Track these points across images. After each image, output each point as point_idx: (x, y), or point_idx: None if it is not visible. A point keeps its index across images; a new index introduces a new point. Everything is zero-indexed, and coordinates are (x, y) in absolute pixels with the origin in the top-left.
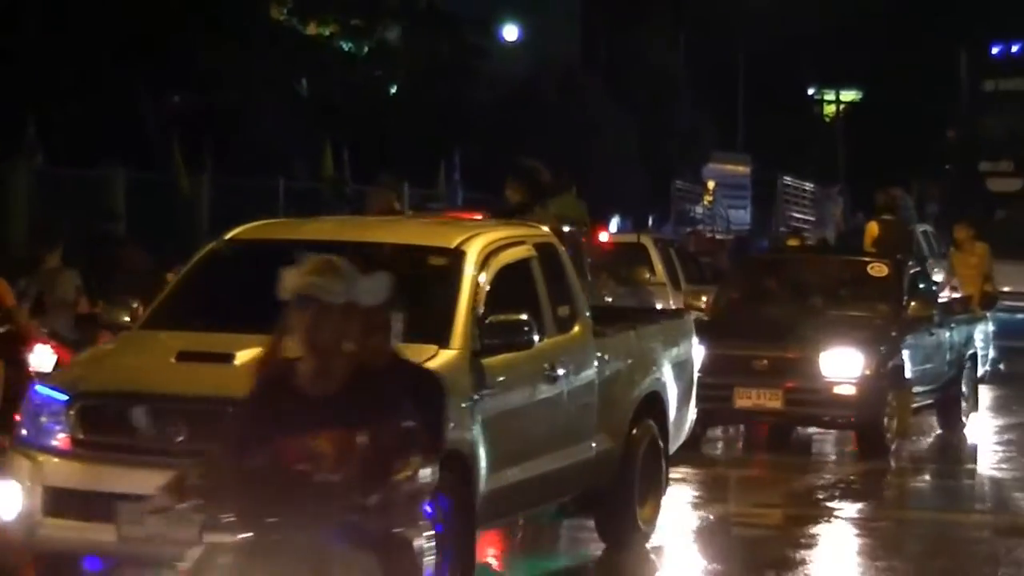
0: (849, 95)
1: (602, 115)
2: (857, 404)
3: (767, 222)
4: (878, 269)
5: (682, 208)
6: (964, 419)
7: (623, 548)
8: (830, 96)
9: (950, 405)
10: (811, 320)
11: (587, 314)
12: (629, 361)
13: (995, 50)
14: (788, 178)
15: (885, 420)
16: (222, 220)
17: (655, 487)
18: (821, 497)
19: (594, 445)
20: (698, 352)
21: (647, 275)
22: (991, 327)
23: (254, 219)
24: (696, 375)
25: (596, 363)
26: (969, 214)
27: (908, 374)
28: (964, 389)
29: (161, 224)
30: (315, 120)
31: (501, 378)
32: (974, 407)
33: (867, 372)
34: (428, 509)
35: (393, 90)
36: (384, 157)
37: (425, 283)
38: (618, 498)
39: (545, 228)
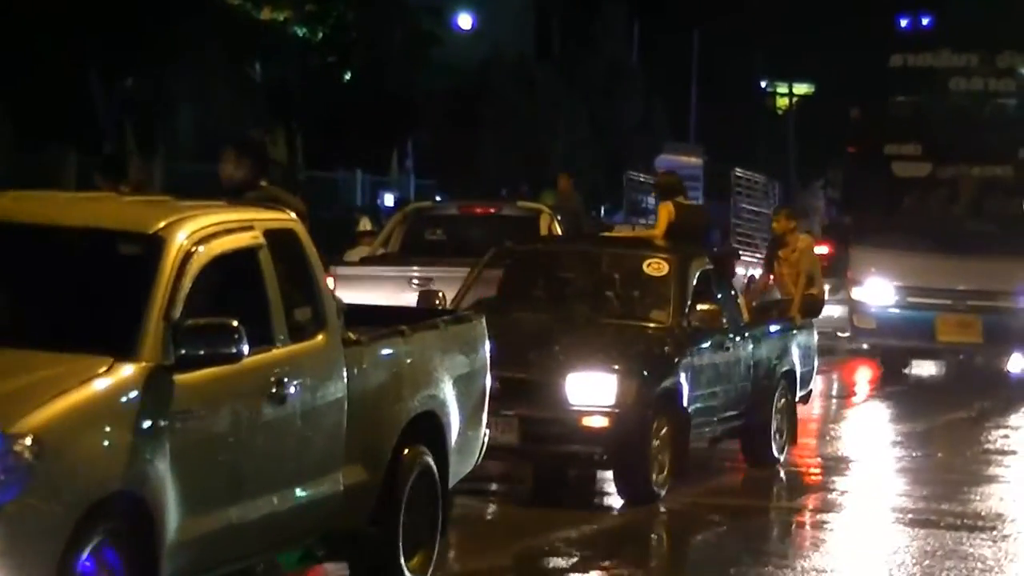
0: (802, 88)
1: (555, 105)
2: (611, 438)
3: (721, 213)
4: (656, 266)
5: (634, 198)
6: (777, 453)
7: None
8: (783, 89)
9: (756, 436)
10: (564, 332)
11: (336, 318)
12: (394, 374)
13: (903, 23)
14: (740, 170)
15: (653, 458)
16: None
17: (428, 529)
18: (548, 566)
19: (341, 478)
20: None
21: None
22: (814, 338)
23: None
24: (488, 389)
25: (345, 377)
26: (869, 201)
27: (688, 399)
28: (776, 415)
29: None
30: (268, 106)
31: (202, 398)
32: (790, 438)
33: (625, 398)
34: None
35: (347, 76)
36: (338, 143)
37: (110, 277)
38: (378, 542)
39: (291, 212)
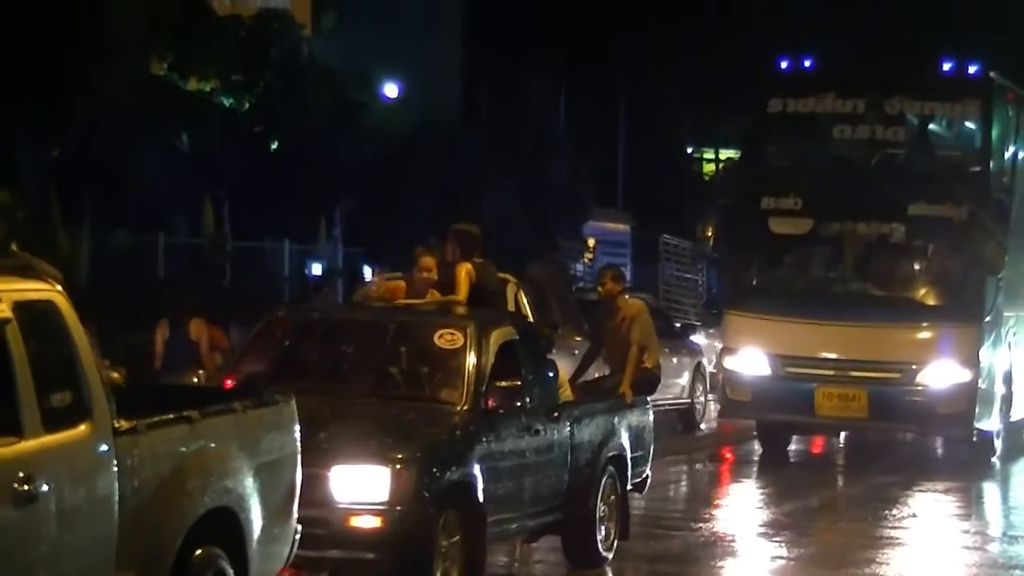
0: (728, 153)
1: (483, 170)
2: (386, 542)
3: (650, 279)
4: (449, 338)
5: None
6: (603, 551)
7: None
8: (709, 154)
9: (578, 531)
10: (334, 415)
11: (106, 403)
12: (178, 466)
13: (783, 64)
14: (668, 236)
15: (439, 564)
16: (101, 277)
17: None
18: None
19: None
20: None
21: None
22: (649, 417)
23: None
24: (298, 478)
25: (116, 472)
26: (743, 260)
27: (484, 493)
28: (602, 507)
29: None
30: (195, 175)
31: None
32: (621, 532)
33: (402, 494)
34: None
35: (274, 145)
36: (265, 213)
37: None
38: None
39: (54, 283)
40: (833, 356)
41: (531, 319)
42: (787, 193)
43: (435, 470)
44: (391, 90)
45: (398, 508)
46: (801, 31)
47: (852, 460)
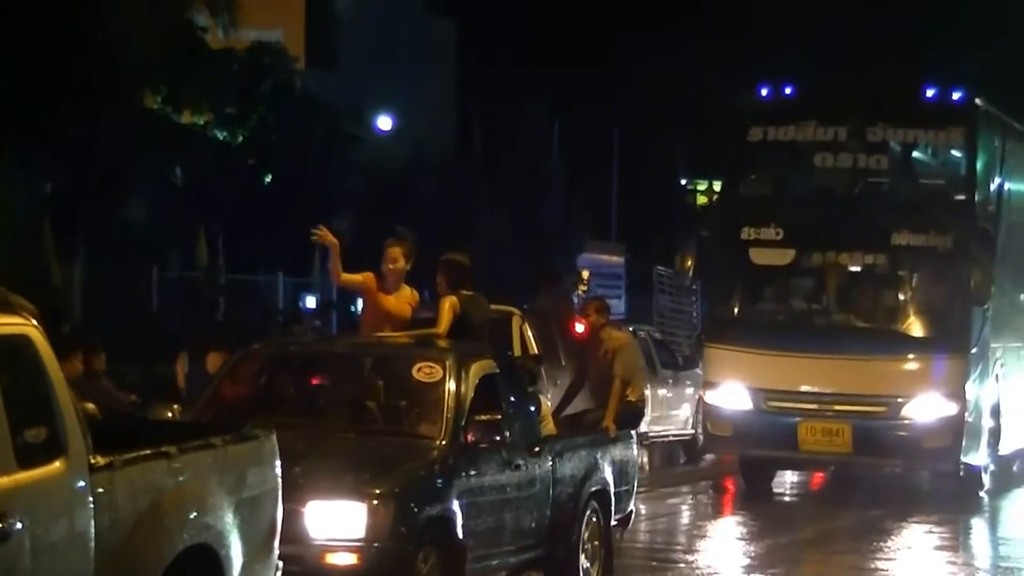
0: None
1: (477, 203)
2: None
3: (644, 311)
4: (428, 371)
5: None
6: None
7: None
8: (702, 186)
9: (561, 567)
10: (310, 450)
11: (82, 439)
12: (156, 503)
13: (764, 91)
14: (662, 268)
15: None
16: (95, 310)
17: None
18: None
19: None
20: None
21: None
22: (634, 451)
23: (128, 310)
24: (279, 514)
25: (92, 509)
26: (724, 292)
27: (464, 529)
28: (585, 543)
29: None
30: (189, 209)
31: None
32: (604, 568)
33: (379, 530)
34: None
35: (268, 178)
36: (259, 246)
37: None
38: None
39: (30, 317)
40: (816, 390)
41: (535, 351)
42: (768, 223)
43: (413, 506)
44: (385, 123)
45: (375, 545)
46: (786, 59)
47: (839, 494)
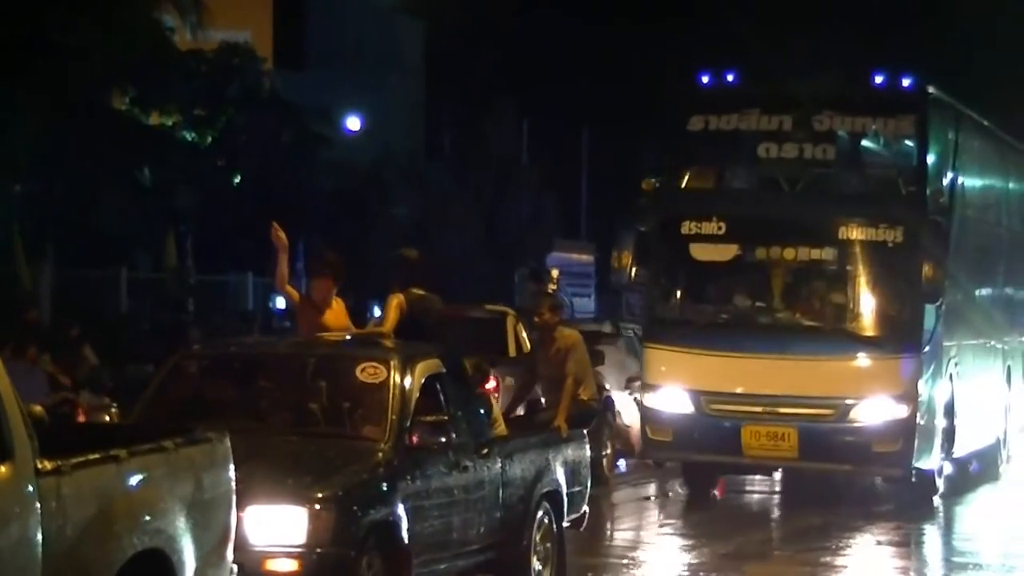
0: None
1: (446, 202)
2: None
3: (614, 310)
4: (371, 372)
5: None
6: None
7: None
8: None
9: (513, 570)
10: (249, 454)
11: (27, 444)
12: (104, 507)
13: (705, 79)
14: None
15: None
16: (64, 312)
17: None
18: None
19: None
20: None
21: None
22: (586, 451)
23: (96, 311)
24: (233, 518)
25: (40, 514)
26: (662, 290)
27: (409, 533)
28: (537, 545)
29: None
30: (158, 210)
31: None
32: (558, 571)
33: (320, 535)
34: None
35: (237, 179)
36: (228, 247)
37: None
38: None
39: None
40: (760, 392)
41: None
42: (710, 217)
43: (356, 510)
44: (353, 123)
45: (317, 551)
46: (731, 45)
47: (789, 497)
